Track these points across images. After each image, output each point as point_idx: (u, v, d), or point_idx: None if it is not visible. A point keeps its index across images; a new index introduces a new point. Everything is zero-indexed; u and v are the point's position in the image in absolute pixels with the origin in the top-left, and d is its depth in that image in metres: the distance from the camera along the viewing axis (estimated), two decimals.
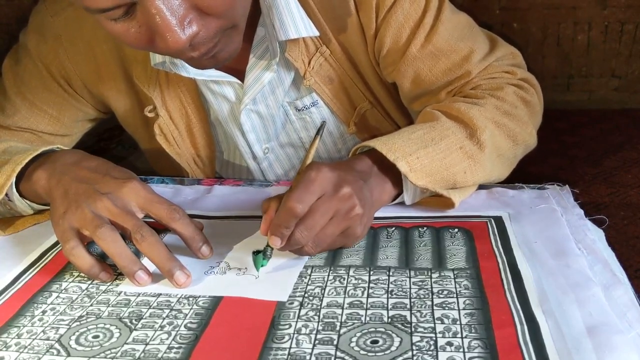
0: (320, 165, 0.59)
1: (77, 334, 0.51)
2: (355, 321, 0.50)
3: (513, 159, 0.77)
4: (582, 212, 0.66)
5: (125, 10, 0.58)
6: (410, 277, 0.56)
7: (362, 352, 0.47)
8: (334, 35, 0.80)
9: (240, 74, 0.80)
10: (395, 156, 0.64)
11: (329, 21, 0.79)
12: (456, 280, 0.55)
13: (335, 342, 0.48)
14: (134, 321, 0.52)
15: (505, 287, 0.54)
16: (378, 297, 0.53)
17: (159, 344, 0.49)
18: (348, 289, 0.55)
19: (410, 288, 0.55)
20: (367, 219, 0.61)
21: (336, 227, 0.59)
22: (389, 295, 0.54)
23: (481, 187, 0.72)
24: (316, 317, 0.51)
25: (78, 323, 0.53)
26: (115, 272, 0.60)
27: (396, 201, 0.69)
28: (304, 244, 0.58)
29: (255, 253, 0.59)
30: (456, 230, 0.64)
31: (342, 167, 0.62)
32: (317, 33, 0.77)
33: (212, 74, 0.79)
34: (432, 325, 0.49)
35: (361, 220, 0.60)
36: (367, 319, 0.51)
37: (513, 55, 0.84)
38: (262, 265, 0.58)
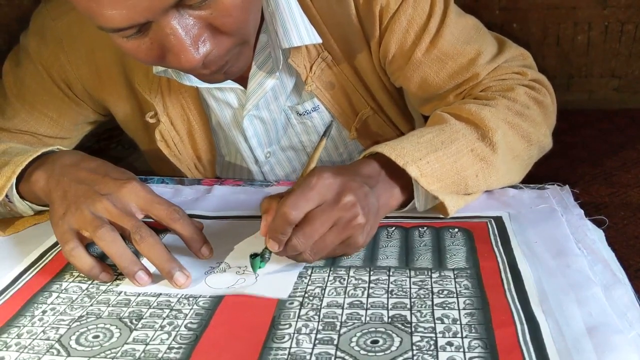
0: (323, 171, 0.58)
1: (77, 334, 0.51)
2: (356, 321, 0.50)
3: (528, 160, 0.74)
4: (582, 212, 0.66)
5: (138, 28, 0.57)
6: (410, 277, 0.56)
7: (362, 352, 0.47)
8: (335, 41, 0.80)
9: (242, 80, 0.80)
10: (404, 161, 0.62)
11: (331, 28, 0.79)
12: (456, 280, 0.55)
13: (335, 342, 0.48)
14: (134, 321, 0.52)
15: (505, 287, 0.54)
16: (378, 297, 0.53)
17: (159, 344, 0.49)
18: (348, 289, 0.55)
19: (410, 288, 0.55)
20: (370, 227, 0.59)
21: (336, 236, 0.57)
22: (389, 295, 0.54)
23: None
24: (316, 317, 0.51)
25: (78, 323, 0.53)
26: (116, 272, 0.60)
27: (407, 208, 0.67)
28: (302, 251, 0.56)
29: (253, 256, 0.58)
30: (456, 230, 0.64)
31: (347, 172, 0.60)
32: (319, 40, 0.77)
33: None
34: (432, 325, 0.49)
35: (363, 230, 0.58)
36: (367, 319, 0.51)
37: (523, 56, 0.82)
38: (259, 267, 0.58)
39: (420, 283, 0.55)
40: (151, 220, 0.61)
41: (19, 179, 0.68)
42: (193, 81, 0.77)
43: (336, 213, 0.56)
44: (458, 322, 0.49)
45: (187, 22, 0.57)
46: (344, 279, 0.57)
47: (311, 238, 0.56)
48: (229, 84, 0.80)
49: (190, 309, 0.54)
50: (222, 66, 0.64)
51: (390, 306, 0.52)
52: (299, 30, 0.75)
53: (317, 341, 0.48)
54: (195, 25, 0.58)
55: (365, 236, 0.59)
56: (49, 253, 0.65)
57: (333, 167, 0.61)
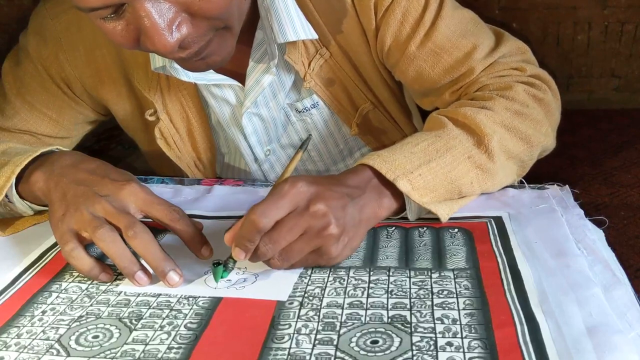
0: (296, 179, 0.56)
1: (77, 334, 0.51)
2: (355, 321, 0.50)
3: (529, 161, 0.73)
4: (582, 212, 0.66)
5: (114, 9, 0.58)
6: (410, 277, 0.56)
7: (362, 352, 0.47)
8: (333, 36, 0.80)
9: (241, 77, 0.80)
10: (395, 175, 0.61)
11: (328, 23, 0.79)
12: (456, 280, 0.55)
13: (335, 342, 0.48)
14: (133, 321, 0.52)
15: (505, 287, 0.54)
16: (378, 297, 0.53)
17: (158, 344, 0.49)
18: (348, 289, 0.55)
19: (410, 288, 0.54)
20: (348, 239, 0.57)
21: (306, 244, 0.56)
22: (389, 296, 0.54)
23: None
24: (316, 317, 0.51)
25: (78, 323, 0.53)
26: (115, 272, 0.60)
27: (400, 215, 0.66)
28: (269, 257, 0.55)
29: (216, 265, 0.57)
30: (456, 230, 0.64)
31: (326, 182, 0.59)
32: (315, 36, 0.77)
33: (213, 77, 0.79)
34: (432, 325, 0.49)
35: (338, 241, 0.56)
36: (367, 319, 0.51)
37: (521, 51, 0.80)
38: (222, 277, 0.57)
39: (420, 283, 0.55)
40: (151, 220, 0.61)
41: (19, 179, 0.68)
42: (191, 77, 0.77)
43: (305, 220, 0.55)
44: (458, 323, 0.49)
45: (161, 6, 0.57)
46: (344, 279, 0.57)
47: (278, 244, 0.55)
48: (227, 80, 0.80)
49: (190, 309, 0.54)
50: (202, 48, 0.62)
51: (390, 306, 0.52)
52: (294, 25, 0.74)
53: (316, 341, 0.48)
54: (171, 9, 0.57)
55: (341, 247, 0.57)
56: (49, 253, 0.65)
57: (310, 176, 0.59)
